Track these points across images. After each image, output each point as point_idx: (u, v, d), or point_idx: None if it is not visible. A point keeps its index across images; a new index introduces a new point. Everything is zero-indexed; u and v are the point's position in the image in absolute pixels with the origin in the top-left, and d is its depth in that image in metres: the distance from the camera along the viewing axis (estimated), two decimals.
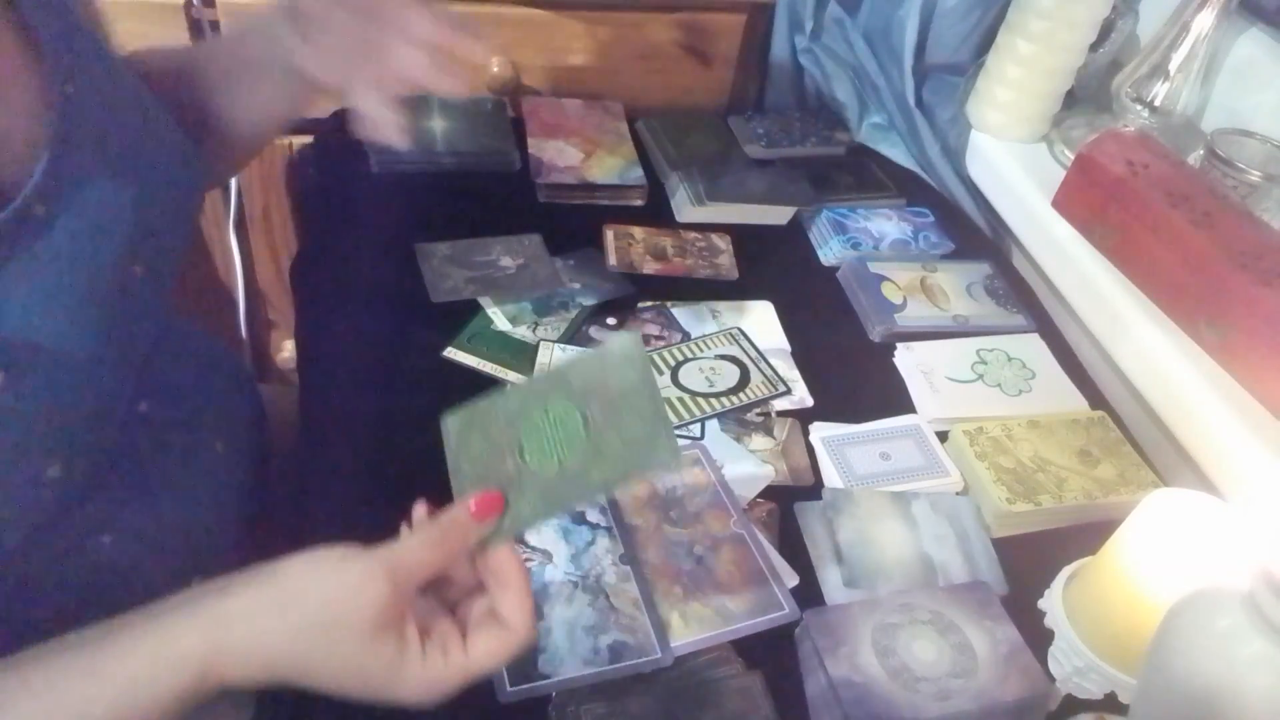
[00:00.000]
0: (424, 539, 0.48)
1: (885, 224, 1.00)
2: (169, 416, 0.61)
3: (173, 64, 0.69)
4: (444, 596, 0.50)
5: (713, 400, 0.78)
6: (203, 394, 0.67)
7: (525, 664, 0.58)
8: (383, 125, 0.62)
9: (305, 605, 0.45)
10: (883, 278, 0.92)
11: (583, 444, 0.49)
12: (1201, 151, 0.84)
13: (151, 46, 0.70)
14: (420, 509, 0.50)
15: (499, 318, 0.82)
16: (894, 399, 0.82)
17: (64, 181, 0.49)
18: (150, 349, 0.58)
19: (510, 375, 0.77)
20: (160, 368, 0.59)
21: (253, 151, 0.86)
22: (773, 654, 0.62)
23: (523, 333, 0.82)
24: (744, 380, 0.80)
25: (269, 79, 0.68)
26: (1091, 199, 0.84)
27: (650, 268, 0.91)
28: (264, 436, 0.76)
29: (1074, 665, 0.62)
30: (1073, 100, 0.99)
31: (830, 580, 0.67)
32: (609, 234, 0.94)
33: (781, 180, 1.04)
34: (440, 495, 0.67)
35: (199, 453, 0.65)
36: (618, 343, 0.51)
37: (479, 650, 0.47)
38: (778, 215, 1.01)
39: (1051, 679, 0.62)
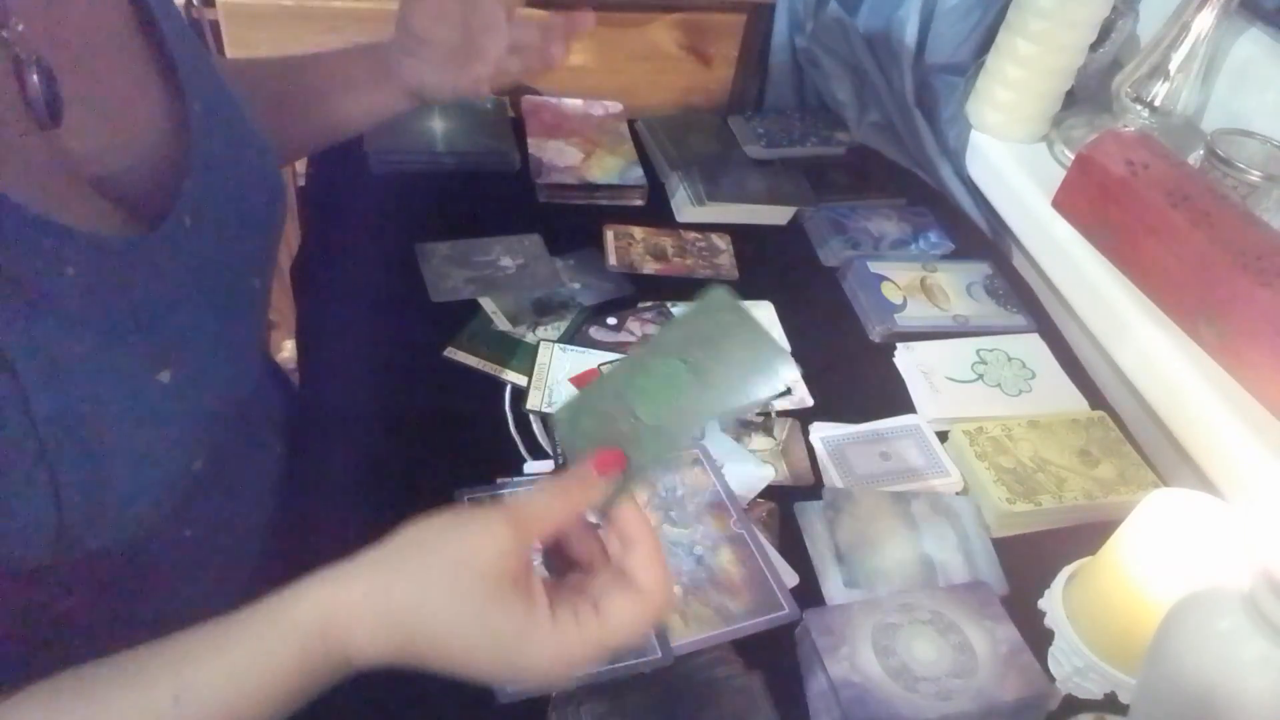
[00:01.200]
0: (547, 491, 0.46)
1: (885, 224, 1.00)
2: (250, 425, 0.64)
3: (267, 75, 0.74)
4: (573, 578, 0.49)
5: None
6: (267, 400, 0.70)
7: None
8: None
9: (427, 554, 0.44)
10: (883, 278, 0.92)
11: (690, 383, 0.48)
12: (1201, 151, 0.84)
13: (240, 58, 0.74)
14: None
15: (499, 318, 0.82)
16: (894, 399, 0.82)
17: (203, 197, 0.52)
18: (250, 356, 0.60)
19: (510, 375, 0.78)
20: (251, 371, 0.61)
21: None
22: (773, 654, 0.62)
23: (523, 333, 0.82)
24: None
25: (373, 92, 0.75)
26: (1091, 199, 0.84)
27: (650, 268, 0.91)
28: (300, 432, 0.77)
29: (1074, 665, 0.62)
30: (1073, 100, 0.99)
31: (830, 580, 0.67)
32: (609, 234, 0.94)
33: (781, 180, 1.04)
34: (441, 494, 0.67)
35: (259, 451, 0.67)
36: (709, 297, 0.50)
37: (614, 616, 0.44)
38: (778, 215, 1.01)
39: (1051, 679, 0.62)
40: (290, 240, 1.16)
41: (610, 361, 0.79)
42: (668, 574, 0.46)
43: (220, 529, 0.61)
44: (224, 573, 0.63)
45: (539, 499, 0.46)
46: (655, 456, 0.48)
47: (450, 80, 0.76)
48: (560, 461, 0.71)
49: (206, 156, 0.53)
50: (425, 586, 0.43)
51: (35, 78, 0.43)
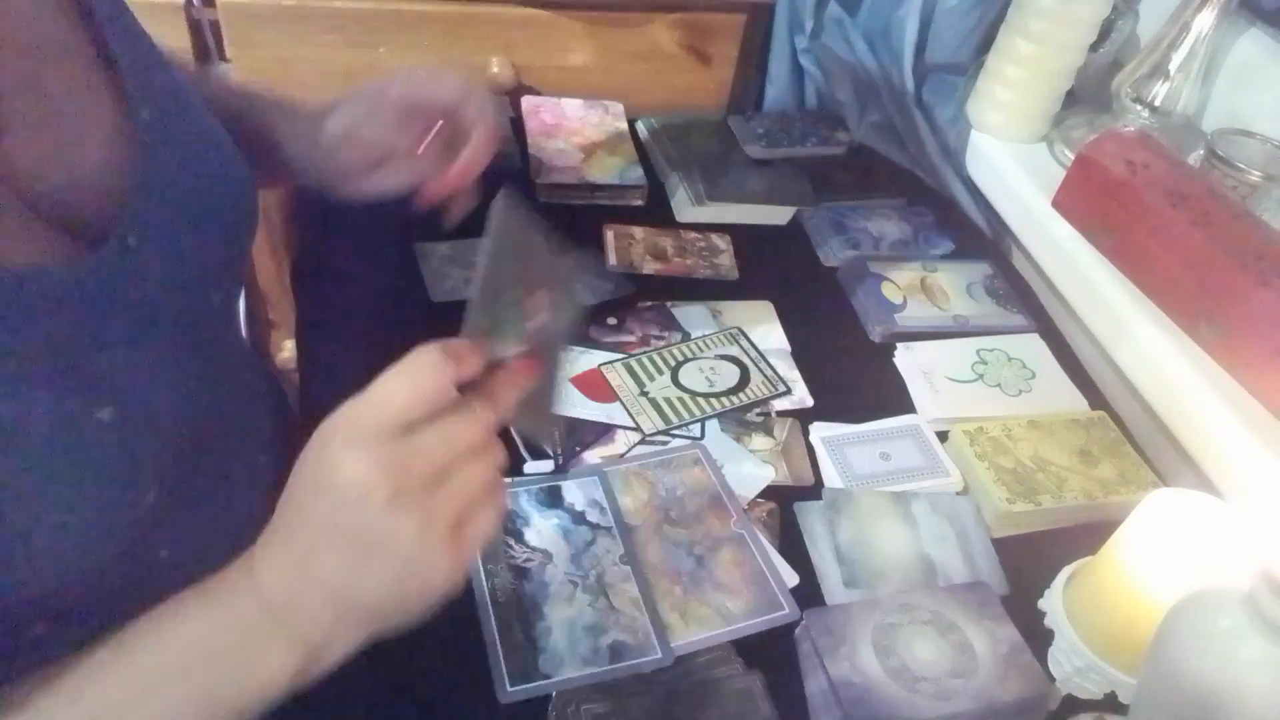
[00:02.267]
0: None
1: (885, 224, 1.00)
2: (226, 439, 0.61)
3: (231, 104, 0.70)
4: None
5: (713, 400, 0.78)
6: (248, 410, 0.67)
7: (525, 664, 0.58)
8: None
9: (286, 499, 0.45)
10: (883, 278, 0.92)
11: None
12: (1201, 151, 0.84)
13: (211, 76, 0.72)
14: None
15: None
16: (894, 399, 0.82)
17: (149, 212, 0.49)
18: (219, 373, 0.57)
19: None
20: (221, 394, 0.60)
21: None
22: (773, 654, 0.62)
23: None
24: (744, 380, 0.80)
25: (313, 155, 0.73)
26: (1091, 199, 0.84)
27: (650, 268, 0.91)
28: (292, 446, 0.76)
29: (1074, 665, 0.62)
30: (1073, 100, 0.99)
31: (830, 580, 0.67)
32: (609, 234, 0.94)
33: (781, 180, 1.04)
34: None
35: (244, 466, 0.65)
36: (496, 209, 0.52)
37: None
38: (778, 215, 1.01)
39: (1051, 679, 0.62)
40: (291, 240, 1.17)
41: (610, 361, 0.79)
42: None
43: (201, 548, 0.58)
44: None
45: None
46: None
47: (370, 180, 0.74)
48: (560, 461, 0.71)
49: (157, 168, 0.50)
50: (290, 505, 0.45)
51: None
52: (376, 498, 0.41)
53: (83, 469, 0.44)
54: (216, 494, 0.61)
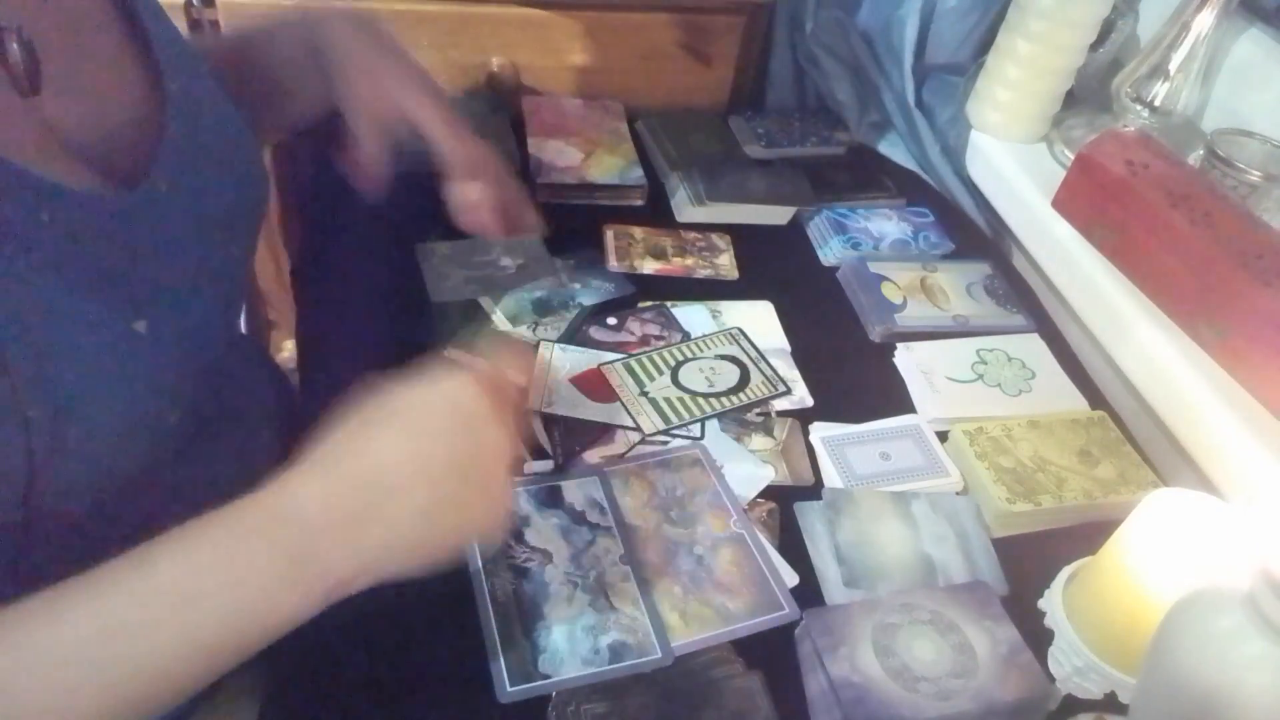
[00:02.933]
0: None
1: (885, 224, 1.00)
2: (235, 406, 0.64)
3: (233, 52, 0.74)
4: None
5: (713, 400, 0.78)
6: (252, 387, 0.70)
7: (525, 664, 0.58)
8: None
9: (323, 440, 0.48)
10: (883, 278, 0.92)
11: None
12: (1201, 151, 0.84)
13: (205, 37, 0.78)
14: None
15: (499, 318, 0.82)
16: (894, 399, 0.82)
17: (176, 166, 0.54)
18: (232, 337, 0.62)
19: (510, 375, 0.77)
20: (230, 359, 0.62)
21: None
22: (773, 654, 0.62)
23: (523, 332, 0.82)
24: (744, 380, 0.80)
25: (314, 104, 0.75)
26: (1091, 199, 0.84)
27: (650, 268, 0.91)
28: (296, 427, 0.77)
29: (1074, 665, 0.62)
30: (1073, 100, 0.99)
31: (830, 580, 0.67)
32: (609, 234, 0.94)
33: (781, 180, 1.04)
34: None
35: (249, 441, 0.67)
36: None
37: None
38: (778, 215, 1.01)
39: (1051, 679, 0.62)
40: (291, 240, 1.17)
41: (610, 361, 0.79)
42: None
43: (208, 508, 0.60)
44: None
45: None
46: None
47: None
48: (560, 461, 0.71)
49: (183, 133, 0.54)
50: (331, 446, 0.48)
51: (15, 46, 0.45)
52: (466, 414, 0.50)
53: (118, 375, 0.47)
54: (221, 456, 0.63)
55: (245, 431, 0.67)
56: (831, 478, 0.74)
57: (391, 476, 0.47)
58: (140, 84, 0.55)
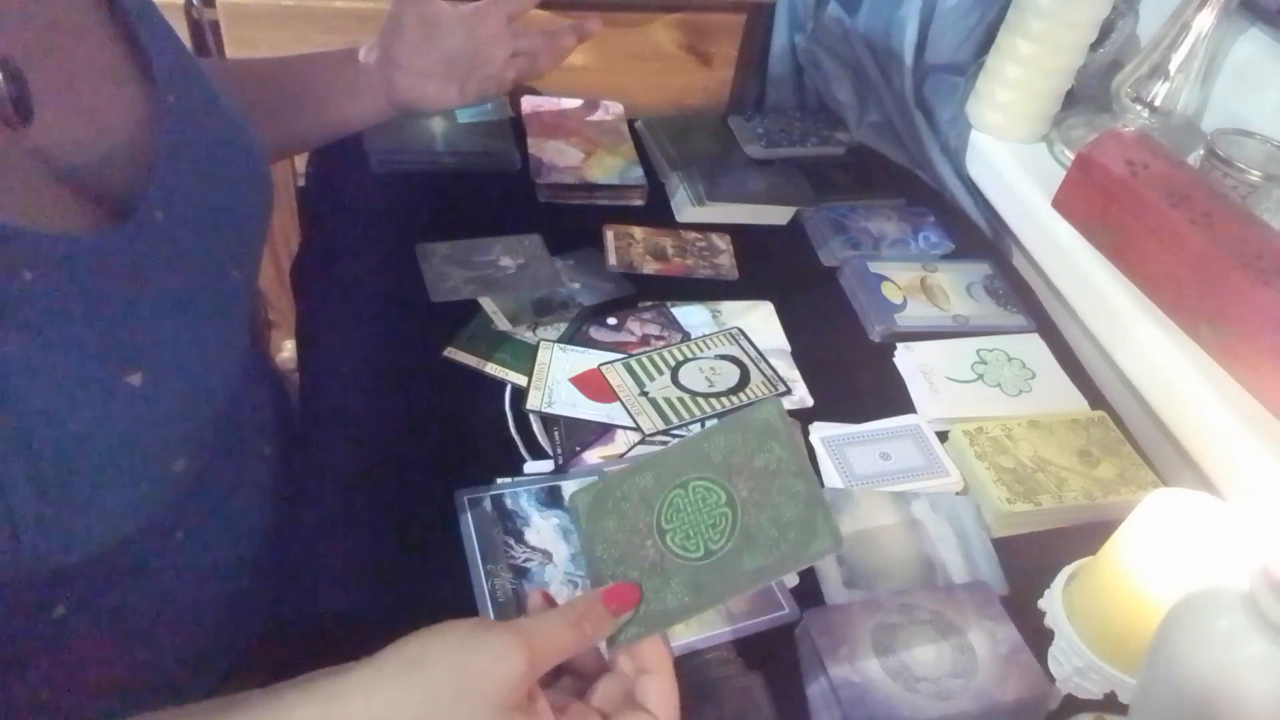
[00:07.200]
0: (563, 620, 0.44)
1: (885, 224, 1.00)
2: (237, 424, 0.62)
3: (248, 77, 0.74)
4: (565, 682, 0.47)
5: (713, 400, 0.78)
6: (255, 401, 0.68)
7: None
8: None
9: (432, 674, 0.41)
10: (883, 278, 0.92)
11: (731, 527, 0.45)
12: (1201, 151, 0.84)
13: (224, 60, 0.76)
14: (537, 598, 0.48)
15: (499, 318, 0.82)
16: (894, 399, 0.82)
17: (175, 189, 0.50)
18: (236, 354, 0.58)
19: (510, 375, 0.77)
20: (236, 388, 0.60)
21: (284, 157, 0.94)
22: (773, 654, 0.62)
23: (523, 333, 0.82)
24: (744, 380, 0.80)
25: (353, 103, 0.77)
26: (1091, 199, 0.84)
27: (650, 268, 0.91)
28: (295, 436, 0.77)
29: (1074, 665, 0.62)
30: (1073, 100, 0.99)
31: (830, 580, 0.67)
32: (609, 234, 0.94)
33: (781, 180, 1.04)
34: (441, 494, 0.67)
35: (252, 458, 0.66)
36: (762, 412, 0.48)
37: None
38: (778, 215, 1.01)
39: (1051, 679, 0.62)
40: (290, 240, 1.17)
41: (610, 361, 0.79)
42: (678, 702, 0.44)
43: (212, 533, 0.60)
44: (220, 577, 0.62)
45: (557, 630, 0.44)
46: (682, 609, 0.45)
47: (454, 92, 0.77)
48: (560, 461, 0.71)
49: (181, 148, 0.52)
50: (431, 703, 0.41)
51: (2, 78, 0.43)
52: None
53: (113, 433, 0.44)
54: (227, 480, 0.62)
55: (248, 451, 0.65)
56: (831, 478, 0.74)
57: None
58: (135, 98, 0.52)
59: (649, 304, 0.87)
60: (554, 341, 0.81)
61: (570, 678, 0.47)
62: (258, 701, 0.42)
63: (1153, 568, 0.58)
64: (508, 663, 0.41)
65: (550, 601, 0.48)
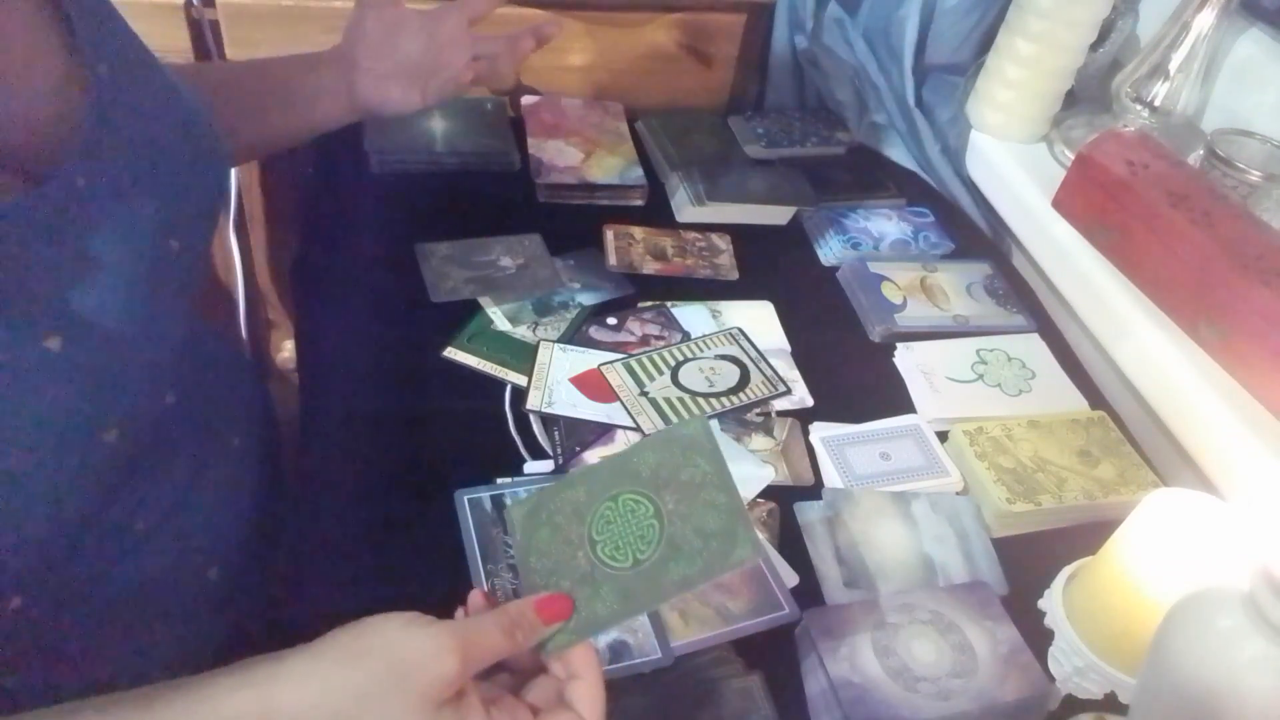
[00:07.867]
0: (496, 626, 0.46)
1: (885, 224, 1.00)
2: (191, 410, 0.62)
3: (214, 80, 0.74)
4: (502, 678, 0.48)
5: (713, 400, 0.78)
6: (218, 389, 0.68)
7: None
8: None
9: (367, 666, 0.42)
10: (883, 278, 0.92)
11: (658, 538, 0.47)
12: (1201, 151, 0.84)
13: (194, 63, 0.75)
14: (477, 597, 0.49)
15: (499, 318, 0.82)
16: (894, 399, 0.82)
17: (101, 157, 0.50)
18: (183, 335, 0.58)
19: (510, 375, 0.78)
20: (184, 360, 0.60)
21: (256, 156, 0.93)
22: (773, 654, 0.62)
23: (523, 333, 0.82)
24: (744, 380, 0.80)
25: (319, 106, 0.78)
26: (1091, 199, 0.84)
27: (650, 268, 0.91)
28: (274, 432, 0.77)
29: (1074, 665, 0.62)
30: (1073, 100, 0.99)
31: (830, 580, 0.67)
32: (609, 234, 0.94)
33: (781, 180, 1.04)
34: (441, 494, 0.67)
35: (216, 448, 0.65)
36: (688, 429, 0.50)
37: None
38: (778, 215, 1.01)
39: (1051, 679, 0.62)
40: (290, 240, 1.17)
41: (610, 361, 0.79)
42: (604, 703, 0.46)
43: (179, 526, 0.59)
44: (193, 572, 0.62)
45: (491, 634, 0.45)
46: (611, 616, 0.47)
47: (416, 95, 0.79)
48: (560, 461, 0.71)
49: (111, 118, 0.51)
50: (364, 695, 0.42)
51: None
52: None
53: (33, 400, 0.44)
54: (186, 468, 0.61)
55: (210, 439, 0.64)
56: (831, 478, 0.74)
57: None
58: (64, 69, 0.50)
59: (649, 304, 0.87)
60: (554, 341, 0.81)
61: (507, 674, 0.49)
62: (193, 686, 0.42)
63: (1153, 568, 0.58)
64: (440, 663, 0.43)
65: (490, 601, 0.49)
